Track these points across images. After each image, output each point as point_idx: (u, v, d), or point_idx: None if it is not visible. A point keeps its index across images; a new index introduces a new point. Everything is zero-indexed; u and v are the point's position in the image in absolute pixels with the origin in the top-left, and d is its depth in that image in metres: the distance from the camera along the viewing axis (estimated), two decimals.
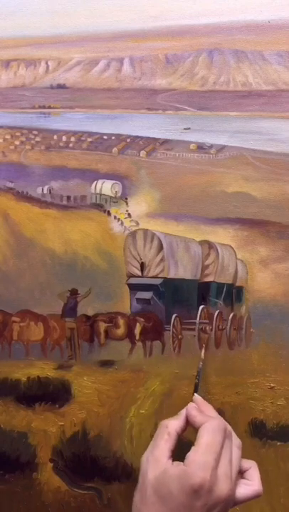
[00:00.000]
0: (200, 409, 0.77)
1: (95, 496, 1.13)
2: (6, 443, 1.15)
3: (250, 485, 0.74)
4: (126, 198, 1.09)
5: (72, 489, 1.14)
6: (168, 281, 1.08)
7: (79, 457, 1.13)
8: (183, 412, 0.77)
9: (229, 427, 0.74)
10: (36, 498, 1.15)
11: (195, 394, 0.81)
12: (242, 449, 0.75)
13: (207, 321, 1.06)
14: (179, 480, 0.65)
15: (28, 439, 1.15)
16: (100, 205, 1.11)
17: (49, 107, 1.10)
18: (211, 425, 0.70)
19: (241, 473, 0.77)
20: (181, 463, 0.69)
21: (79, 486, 1.13)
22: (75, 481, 1.13)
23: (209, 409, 0.79)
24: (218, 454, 0.68)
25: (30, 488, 1.15)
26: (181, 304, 1.08)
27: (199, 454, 0.67)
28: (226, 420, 0.81)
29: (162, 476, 0.67)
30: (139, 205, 1.08)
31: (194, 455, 0.67)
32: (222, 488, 0.66)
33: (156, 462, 0.68)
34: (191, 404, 0.77)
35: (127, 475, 1.11)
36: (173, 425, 0.73)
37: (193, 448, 0.69)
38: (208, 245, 1.07)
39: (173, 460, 0.70)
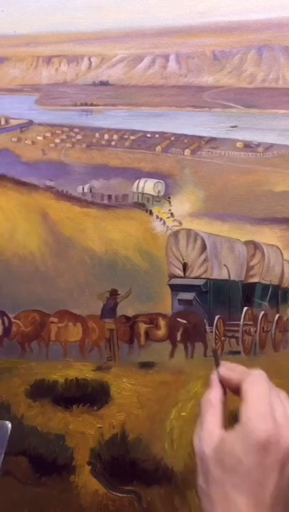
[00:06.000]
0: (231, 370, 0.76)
1: (134, 500, 1.11)
2: (43, 445, 1.13)
3: None
4: (169, 197, 1.08)
5: (110, 492, 1.12)
6: (211, 282, 1.06)
7: (118, 460, 1.11)
8: (214, 381, 0.74)
9: None
10: (73, 502, 1.13)
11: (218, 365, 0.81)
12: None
13: (251, 323, 1.05)
14: (242, 441, 0.61)
15: (65, 441, 1.13)
16: (142, 205, 1.09)
17: (91, 105, 1.08)
18: (253, 377, 0.68)
19: None
20: (237, 425, 0.65)
21: (118, 490, 1.12)
22: (114, 484, 1.12)
23: (239, 367, 0.77)
24: (270, 402, 0.65)
25: (68, 491, 1.13)
26: (224, 305, 1.06)
27: (255, 407, 0.63)
28: None
29: (221, 445, 0.62)
30: (182, 205, 1.06)
31: (249, 410, 0.63)
32: (288, 434, 0.62)
33: (210, 435, 0.64)
34: (218, 370, 0.76)
35: (168, 478, 1.09)
36: (213, 395, 0.71)
37: (243, 406, 0.65)
38: (254, 246, 1.05)
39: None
